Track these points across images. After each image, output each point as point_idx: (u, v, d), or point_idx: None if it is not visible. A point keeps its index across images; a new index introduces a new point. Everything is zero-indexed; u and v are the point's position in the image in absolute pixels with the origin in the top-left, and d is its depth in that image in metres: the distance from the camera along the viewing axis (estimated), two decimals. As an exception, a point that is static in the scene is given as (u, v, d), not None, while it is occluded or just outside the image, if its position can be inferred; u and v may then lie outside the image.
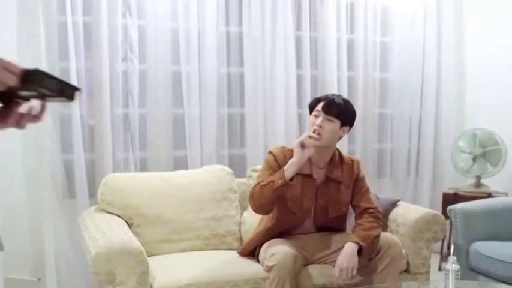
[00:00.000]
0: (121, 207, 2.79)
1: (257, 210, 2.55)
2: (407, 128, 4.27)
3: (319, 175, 2.61)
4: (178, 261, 2.67)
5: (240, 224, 3.02)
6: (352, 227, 2.61)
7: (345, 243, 2.44)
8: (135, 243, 2.34)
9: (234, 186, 3.07)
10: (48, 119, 3.09)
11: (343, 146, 3.78)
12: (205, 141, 3.57)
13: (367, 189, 2.69)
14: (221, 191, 3.00)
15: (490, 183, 3.92)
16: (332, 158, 2.63)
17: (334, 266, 2.41)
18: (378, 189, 3.75)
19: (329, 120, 2.51)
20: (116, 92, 3.33)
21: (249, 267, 2.57)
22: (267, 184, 2.43)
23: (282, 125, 3.78)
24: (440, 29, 4.27)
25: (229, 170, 3.13)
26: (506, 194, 3.81)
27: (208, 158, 3.55)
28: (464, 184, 4.06)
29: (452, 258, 2.03)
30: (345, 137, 3.61)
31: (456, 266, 2.02)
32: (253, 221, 2.82)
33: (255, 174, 2.92)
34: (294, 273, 2.35)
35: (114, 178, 2.89)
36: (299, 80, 3.87)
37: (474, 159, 3.97)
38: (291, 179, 2.40)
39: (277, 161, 2.56)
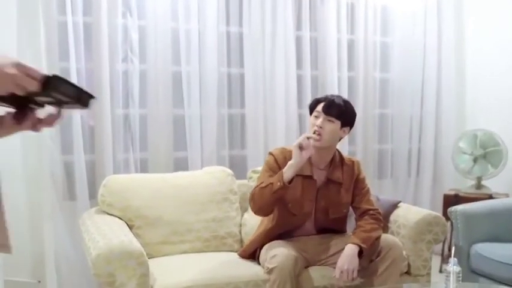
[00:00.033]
0: (121, 208, 2.78)
1: (257, 212, 2.55)
2: (407, 128, 4.26)
3: (319, 176, 2.60)
4: (179, 263, 2.67)
5: (240, 225, 3.02)
6: (353, 228, 2.61)
7: (346, 245, 2.44)
8: (136, 245, 2.33)
9: (234, 187, 3.06)
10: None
11: (343, 147, 3.78)
12: (206, 142, 3.57)
13: (368, 191, 2.68)
14: (222, 193, 3.00)
15: (491, 184, 3.92)
16: (332, 159, 2.63)
17: (334, 267, 2.40)
18: (379, 191, 3.75)
19: (329, 120, 2.51)
20: (116, 92, 3.33)
21: (249, 269, 2.56)
22: (266, 186, 2.42)
23: (283, 126, 3.77)
24: (441, 29, 4.27)
25: (229, 171, 3.12)
26: (507, 196, 3.80)
27: (208, 159, 3.55)
28: (465, 185, 4.05)
29: (453, 260, 2.03)
30: (346, 138, 3.62)
31: (457, 268, 2.02)
32: (253, 223, 2.82)
33: (256, 176, 2.92)
34: (294, 275, 2.35)
35: (115, 179, 2.89)
36: (299, 80, 3.86)
37: (475, 161, 3.96)
38: (290, 182, 2.40)
39: (277, 162, 2.55)
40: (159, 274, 2.42)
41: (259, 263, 2.58)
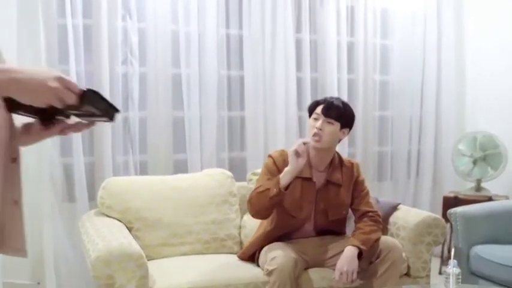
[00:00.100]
0: (121, 210, 2.78)
1: (255, 215, 2.56)
2: (407, 130, 4.27)
3: (319, 178, 2.61)
4: (178, 265, 2.67)
5: (240, 227, 3.02)
6: (352, 230, 2.61)
7: (345, 246, 2.44)
8: (135, 247, 2.33)
9: (234, 189, 3.06)
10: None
11: (343, 149, 3.78)
12: (206, 144, 3.57)
13: (367, 193, 2.69)
14: (221, 195, 3.00)
15: (491, 186, 3.92)
16: (332, 161, 2.64)
17: (334, 269, 2.40)
18: (378, 193, 3.74)
19: (329, 122, 2.52)
20: (115, 94, 3.32)
21: (249, 271, 2.56)
22: (263, 192, 2.43)
23: (282, 128, 3.78)
24: (440, 29, 4.28)
25: (229, 173, 3.13)
26: (507, 198, 3.80)
27: (208, 161, 3.55)
28: (465, 187, 4.05)
29: (452, 262, 2.03)
30: (346, 140, 3.63)
31: (457, 270, 2.02)
32: (253, 225, 2.81)
33: (255, 178, 2.91)
34: (294, 277, 2.35)
35: (114, 182, 2.89)
36: (299, 82, 3.87)
37: (474, 163, 3.96)
38: (286, 188, 2.40)
39: (276, 165, 2.56)
40: (158, 276, 2.42)
41: (258, 265, 2.58)
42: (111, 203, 2.79)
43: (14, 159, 1.14)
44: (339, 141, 2.64)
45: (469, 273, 2.94)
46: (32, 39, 3.12)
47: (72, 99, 1.03)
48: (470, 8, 4.33)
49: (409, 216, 2.91)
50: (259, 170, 2.79)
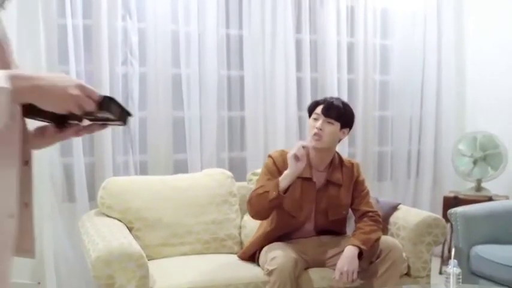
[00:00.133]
0: (121, 210, 2.78)
1: (254, 216, 2.56)
2: (407, 130, 4.27)
3: (319, 178, 2.61)
4: (179, 265, 2.67)
5: (240, 227, 3.02)
6: (352, 230, 2.61)
7: (345, 246, 2.44)
8: (135, 247, 2.33)
9: (234, 189, 3.06)
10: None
11: (343, 149, 3.78)
12: (206, 144, 3.57)
13: (367, 193, 2.69)
14: (221, 195, 3.00)
15: (491, 186, 3.92)
16: (332, 161, 2.64)
17: (334, 269, 2.41)
18: (379, 193, 3.74)
19: (329, 122, 2.52)
20: (115, 95, 3.32)
21: (249, 271, 2.56)
22: (262, 194, 2.44)
23: (282, 128, 3.78)
24: (440, 29, 4.28)
25: (229, 173, 3.13)
26: (507, 198, 3.80)
27: (208, 161, 3.54)
28: (465, 187, 4.05)
29: (453, 262, 2.03)
30: (346, 140, 3.63)
31: (457, 270, 2.02)
32: (253, 225, 2.81)
33: (255, 178, 2.91)
34: (294, 276, 2.35)
35: (114, 182, 2.89)
36: (299, 82, 3.87)
37: (475, 163, 3.96)
38: (286, 191, 2.41)
39: (276, 165, 2.56)
40: (158, 276, 2.42)
41: (258, 265, 2.58)
42: (111, 203, 2.79)
43: (26, 162, 1.17)
44: (339, 141, 2.64)
45: (470, 273, 2.94)
46: (32, 39, 3.12)
47: (91, 107, 1.06)
48: (470, 8, 4.33)
49: (409, 216, 2.91)
50: (259, 170, 2.79)
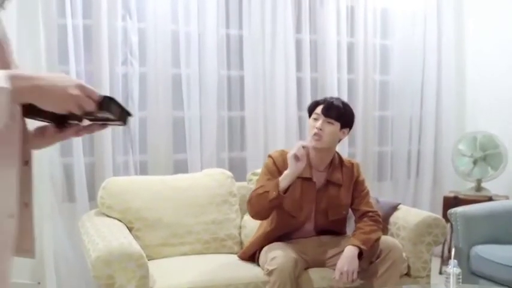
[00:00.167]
0: (121, 210, 2.78)
1: (254, 216, 2.57)
2: (407, 130, 4.27)
3: (319, 178, 2.61)
4: (179, 265, 2.67)
5: (240, 227, 3.01)
6: (352, 230, 2.61)
7: (345, 246, 2.44)
8: (135, 247, 2.33)
9: (234, 189, 3.06)
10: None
11: (343, 149, 3.78)
12: (206, 144, 3.57)
13: (367, 193, 2.69)
14: (221, 195, 3.00)
15: (491, 186, 3.92)
16: (332, 161, 2.64)
17: (334, 269, 2.40)
18: (379, 193, 3.75)
19: (329, 122, 2.52)
20: (115, 95, 3.32)
21: (249, 271, 2.56)
22: (263, 194, 2.44)
23: (282, 128, 3.78)
24: (441, 30, 4.28)
25: (229, 173, 3.13)
26: (507, 198, 3.80)
27: (208, 161, 3.54)
28: (465, 187, 4.05)
29: (453, 262, 2.03)
30: (346, 140, 3.63)
31: (457, 270, 2.02)
32: (253, 225, 2.81)
33: (255, 178, 2.91)
34: (294, 276, 2.35)
35: (114, 182, 2.89)
36: (299, 82, 3.87)
37: (475, 163, 3.96)
38: (286, 191, 2.41)
39: (276, 165, 2.56)
40: (158, 276, 2.42)
41: (259, 265, 2.58)
42: (111, 203, 2.79)
43: (26, 162, 1.17)
44: (339, 141, 2.64)
45: (470, 273, 2.94)
46: (32, 40, 3.11)
47: (91, 107, 1.07)
48: (470, 8, 4.33)
49: (409, 216, 2.91)
50: (259, 170, 2.79)
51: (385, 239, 2.56)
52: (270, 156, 2.64)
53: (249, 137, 3.72)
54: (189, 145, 3.54)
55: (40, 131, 1.22)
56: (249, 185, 3.08)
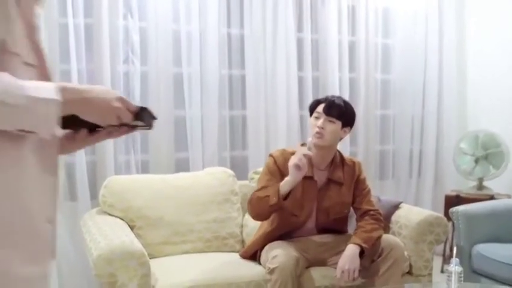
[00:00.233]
0: (122, 209, 2.78)
1: (254, 218, 2.58)
2: (409, 129, 4.26)
3: (320, 177, 2.61)
4: (180, 263, 2.67)
5: (241, 226, 3.02)
6: (354, 229, 2.61)
7: (347, 245, 2.44)
8: (137, 245, 2.33)
9: (235, 188, 3.07)
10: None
11: (345, 147, 3.78)
12: (207, 143, 3.57)
13: (369, 191, 2.69)
14: (223, 193, 3.00)
15: (493, 185, 3.91)
16: (333, 159, 2.64)
17: (336, 268, 2.41)
18: (380, 191, 3.74)
19: (330, 121, 2.52)
20: (116, 93, 3.32)
21: (251, 270, 2.56)
22: (263, 198, 2.44)
23: (284, 127, 3.77)
24: (442, 29, 4.27)
25: (231, 172, 3.13)
26: (509, 196, 3.80)
27: (210, 160, 3.55)
28: (467, 186, 4.05)
29: (454, 260, 2.03)
30: (347, 139, 3.63)
31: (459, 268, 2.02)
32: (255, 224, 2.81)
33: (257, 177, 2.91)
34: (295, 275, 2.35)
35: (116, 180, 2.89)
36: (300, 81, 3.86)
37: (476, 161, 3.96)
38: (286, 197, 2.41)
39: (277, 165, 2.56)
40: (160, 274, 2.42)
41: (260, 264, 2.58)
42: (113, 202, 2.79)
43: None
44: (340, 140, 2.64)
45: (471, 271, 2.94)
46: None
47: (128, 118, 1.11)
48: (471, 8, 4.32)
49: (411, 214, 2.91)
50: (261, 169, 2.79)
51: (387, 237, 2.55)
52: (271, 155, 2.64)
53: (251, 135, 3.72)
54: (191, 144, 3.55)
55: (71, 135, 1.22)
56: (250, 184, 3.09)
